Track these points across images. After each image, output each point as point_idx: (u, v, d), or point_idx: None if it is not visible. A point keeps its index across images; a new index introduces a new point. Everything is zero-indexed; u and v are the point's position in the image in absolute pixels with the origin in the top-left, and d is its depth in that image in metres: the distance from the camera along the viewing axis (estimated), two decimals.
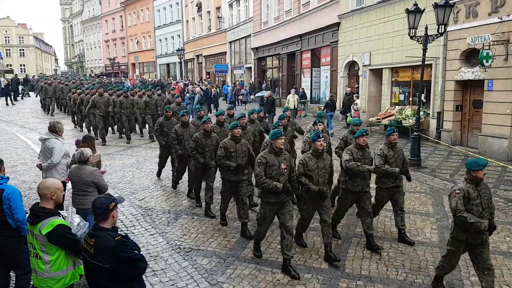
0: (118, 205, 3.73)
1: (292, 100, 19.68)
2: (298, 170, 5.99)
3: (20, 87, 31.58)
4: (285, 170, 5.72)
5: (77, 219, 4.36)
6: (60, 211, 4.21)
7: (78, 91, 17.62)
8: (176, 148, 8.66)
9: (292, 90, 21.00)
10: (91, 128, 15.66)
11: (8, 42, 73.86)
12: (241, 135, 7.17)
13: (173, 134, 8.65)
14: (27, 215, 4.09)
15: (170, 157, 9.98)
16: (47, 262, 3.81)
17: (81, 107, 16.10)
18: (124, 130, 15.52)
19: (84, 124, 16.78)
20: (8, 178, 4.84)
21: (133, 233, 6.99)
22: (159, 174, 10.36)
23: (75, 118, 17.84)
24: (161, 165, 10.21)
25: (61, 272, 3.86)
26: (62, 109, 23.19)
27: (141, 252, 3.69)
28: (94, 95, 15.20)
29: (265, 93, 21.25)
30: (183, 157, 8.69)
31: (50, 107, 22.23)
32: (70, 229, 3.92)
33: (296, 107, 19.74)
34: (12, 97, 27.23)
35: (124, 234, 3.69)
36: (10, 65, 69.36)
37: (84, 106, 15.53)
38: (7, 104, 25.94)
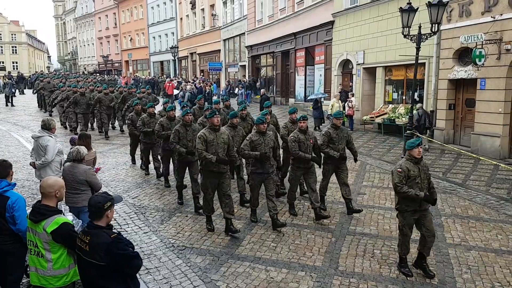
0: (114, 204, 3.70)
1: (336, 105, 15.99)
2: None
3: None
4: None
5: (69, 217, 4.35)
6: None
7: (150, 109, 10.05)
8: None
9: (337, 93, 16.98)
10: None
11: (1, 39, 73.14)
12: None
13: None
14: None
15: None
16: (50, 260, 3.79)
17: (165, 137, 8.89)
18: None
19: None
20: (15, 184, 4.70)
21: (126, 231, 6.97)
22: None
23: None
24: None
25: (64, 270, 3.85)
26: (95, 128, 16.57)
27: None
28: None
29: (320, 95, 17.94)
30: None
31: (83, 127, 15.40)
32: (74, 227, 3.91)
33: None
34: (12, 98, 24.92)
35: (118, 232, 3.67)
36: (3, 62, 69.02)
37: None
38: (6, 105, 24.15)
